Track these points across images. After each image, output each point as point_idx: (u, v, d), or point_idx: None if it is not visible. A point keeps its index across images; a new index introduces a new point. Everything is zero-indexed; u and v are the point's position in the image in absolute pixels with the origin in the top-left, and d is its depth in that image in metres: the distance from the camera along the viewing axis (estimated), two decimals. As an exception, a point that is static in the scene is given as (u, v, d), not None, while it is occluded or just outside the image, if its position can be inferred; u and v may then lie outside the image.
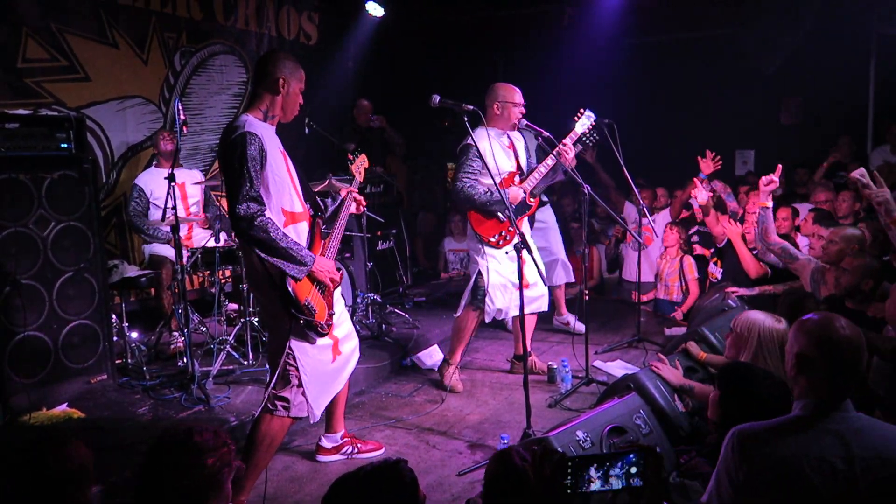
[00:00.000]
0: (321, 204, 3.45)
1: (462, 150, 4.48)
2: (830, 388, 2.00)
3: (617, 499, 1.97)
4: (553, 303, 6.00)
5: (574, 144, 4.52)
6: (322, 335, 3.20)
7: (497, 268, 4.55)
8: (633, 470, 1.91)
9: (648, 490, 1.91)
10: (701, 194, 5.72)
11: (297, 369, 3.16)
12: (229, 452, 1.92)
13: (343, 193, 3.50)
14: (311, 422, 3.40)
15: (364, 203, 3.62)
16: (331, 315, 3.26)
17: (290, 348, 3.14)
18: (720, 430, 2.45)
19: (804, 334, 2.07)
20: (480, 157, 4.23)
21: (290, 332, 3.12)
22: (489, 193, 4.38)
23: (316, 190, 5.07)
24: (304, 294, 3.09)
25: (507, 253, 4.51)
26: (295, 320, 3.09)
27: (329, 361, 3.30)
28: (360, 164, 3.84)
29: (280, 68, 3.10)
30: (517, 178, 4.59)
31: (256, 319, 4.81)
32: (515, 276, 4.52)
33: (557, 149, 4.50)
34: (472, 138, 4.12)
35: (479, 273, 4.54)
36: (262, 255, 2.99)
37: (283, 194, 3.12)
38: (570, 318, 6.01)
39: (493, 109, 4.50)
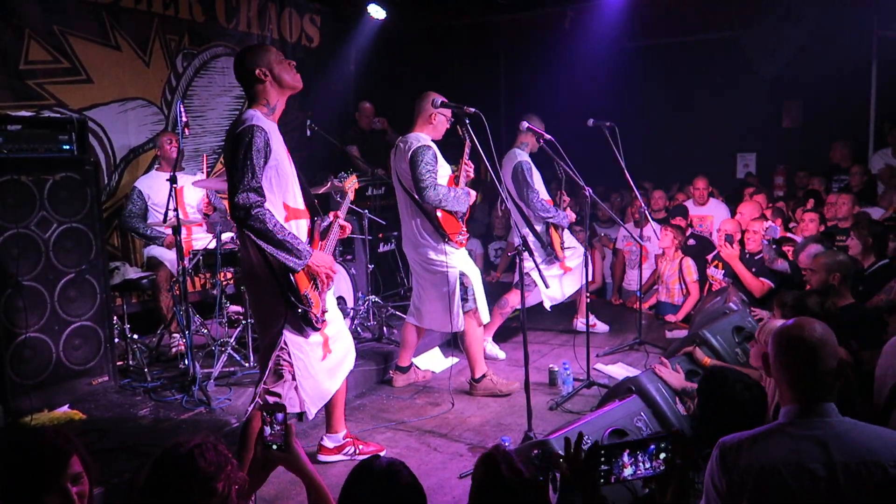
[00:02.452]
0: (319, 210, 3.47)
1: (420, 150, 4.32)
2: (795, 389, 1.96)
3: (649, 484, 1.98)
4: (575, 306, 6.04)
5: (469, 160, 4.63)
6: (316, 329, 3.23)
7: (469, 267, 4.60)
8: (662, 456, 1.92)
9: (675, 475, 1.92)
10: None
11: (290, 364, 3.18)
12: (234, 468, 1.86)
13: (331, 217, 3.50)
14: (309, 419, 3.40)
15: (349, 230, 3.63)
16: (324, 311, 3.28)
17: (284, 343, 3.16)
18: (699, 432, 2.45)
19: (771, 335, 2.09)
20: (436, 158, 4.34)
21: (284, 325, 3.15)
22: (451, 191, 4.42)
23: (319, 192, 5.10)
24: (304, 286, 3.13)
25: (458, 253, 4.56)
26: (292, 311, 3.12)
27: (321, 359, 3.32)
28: (351, 183, 3.92)
29: (257, 61, 3.12)
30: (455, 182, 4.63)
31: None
32: (479, 275, 4.69)
33: (463, 166, 4.59)
34: (427, 142, 4.23)
35: (463, 273, 4.53)
36: (262, 244, 3.02)
37: (286, 190, 3.17)
38: (592, 319, 5.98)
39: (431, 118, 4.42)
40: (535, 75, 8.68)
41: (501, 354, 5.56)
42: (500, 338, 5.77)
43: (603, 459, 1.90)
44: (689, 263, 6.40)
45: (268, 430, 2.13)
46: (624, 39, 8.19)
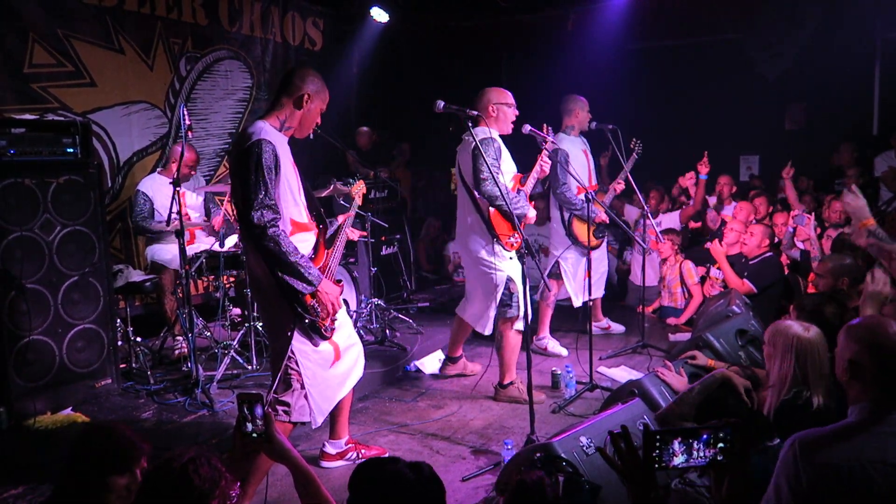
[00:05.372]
0: (324, 218, 3.48)
1: (483, 143, 4.26)
2: (883, 391, 2.01)
3: (704, 474, 1.95)
4: (591, 311, 6.07)
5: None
6: (325, 338, 3.22)
7: (515, 272, 4.54)
8: (721, 445, 1.89)
9: (733, 465, 1.90)
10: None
11: (299, 373, 3.16)
12: (227, 483, 1.84)
13: (340, 220, 3.52)
14: (313, 427, 3.40)
15: (359, 233, 3.63)
16: (333, 320, 3.28)
17: (292, 352, 3.15)
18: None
19: (855, 340, 2.10)
20: (500, 152, 4.31)
21: (292, 335, 3.14)
22: (510, 193, 4.38)
23: (322, 195, 5.11)
24: (311, 296, 3.12)
25: (510, 258, 4.52)
26: (300, 321, 3.11)
27: (331, 366, 3.31)
28: (358, 189, 3.93)
29: (307, 84, 3.15)
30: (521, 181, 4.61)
31: (261, 324, 4.81)
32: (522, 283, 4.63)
33: (540, 162, 4.59)
34: (490, 135, 4.12)
35: (510, 279, 4.47)
36: (271, 267, 3.00)
37: (293, 205, 3.15)
38: (606, 322, 6.34)
39: (490, 111, 4.44)
40: (538, 78, 8.66)
41: (564, 352, 5.62)
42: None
43: (657, 445, 1.87)
44: (689, 267, 6.39)
45: (249, 426, 2.11)
46: (626, 42, 8.20)
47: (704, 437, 1.88)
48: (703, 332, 4.19)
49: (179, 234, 4.30)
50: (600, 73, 8.08)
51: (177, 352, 5.06)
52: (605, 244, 6.04)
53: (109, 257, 4.53)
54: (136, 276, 5.18)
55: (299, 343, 3.16)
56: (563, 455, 2.77)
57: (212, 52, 6.47)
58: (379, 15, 7.45)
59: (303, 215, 3.24)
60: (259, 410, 2.10)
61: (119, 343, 4.54)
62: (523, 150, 4.98)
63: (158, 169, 5.60)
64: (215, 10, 6.43)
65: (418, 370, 5.31)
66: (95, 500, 2.03)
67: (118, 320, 4.60)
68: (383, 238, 6.51)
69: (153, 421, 4.03)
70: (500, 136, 4.53)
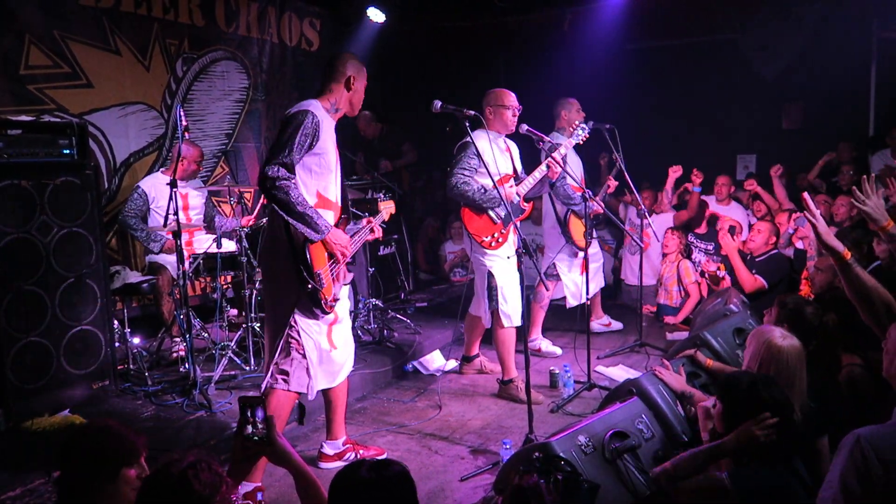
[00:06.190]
0: (349, 209, 3.57)
1: (460, 147, 4.56)
2: None
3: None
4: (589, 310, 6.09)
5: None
6: (325, 312, 3.28)
7: (502, 268, 4.56)
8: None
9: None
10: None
11: (299, 343, 3.25)
12: (228, 489, 1.83)
13: (364, 222, 3.64)
14: (310, 398, 3.42)
15: (381, 234, 3.77)
16: (335, 298, 3.33)
17: (294, 321, 3.23)
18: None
19: None
20: (478, 155, 4.27)
21: (296, 304, 3.22)
22: (483, 191, 4.43)
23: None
24: (319, 265, 3.20)
25: (508, 257, 4.54)
26: (304, 287, 3.17)
27: (327, 344, 3.37)
28: (388, 207, 4.06)
29: (349, 67, 3.39)
30: (512, 181, 4.62)
31: (258, 325, 4.81)
32: (517, 280, 4.59)
33: (547, 161, 4.62)
34: (471, 137, 4.14)
35: (490, 273, 4.55)
36: (283, 215, 3.10)
37: (323, 181, 3.30)
38: (607, 318, 6.41)
39: (487, 113, 4.56)
40: (535, 77, 8.66)
41: (558, 351, 5.65)
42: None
43: None
44: (687, 265, 6.41)
45: (249, 428, 2.11)
46: (623, 41, 8.19)
47: None
48: (701, 330, 4.19)
49: (177, 234, 4.30)
50: (597, 72, 8.08)
51: (174, 353, 5.05)
52: (595, 242, 6.04)
53: (107, 259, 4.52)
54: (134, 277, 5.18)
55: (302, 312, 3.25)
56: (561, 454, 2.77)
57: (208, 53, 6.46)
58: (375, 15, 7.44)
59: (331, 193, 3.36)
60: (260, 414, 2.11)
61: (116, 344, 4.53)
62: (522, 151, 5.00)
63: (162, 168, 5.59)
64: (212, 10, 6.42)
65: (416, 370, 5.31)
66: (112, 496, 2.05)
67: (115, 322, 4.59)
68: (381, 238, 6.49)
69: (151, 422, 4.03)
70: (508, 135, 4.71)
